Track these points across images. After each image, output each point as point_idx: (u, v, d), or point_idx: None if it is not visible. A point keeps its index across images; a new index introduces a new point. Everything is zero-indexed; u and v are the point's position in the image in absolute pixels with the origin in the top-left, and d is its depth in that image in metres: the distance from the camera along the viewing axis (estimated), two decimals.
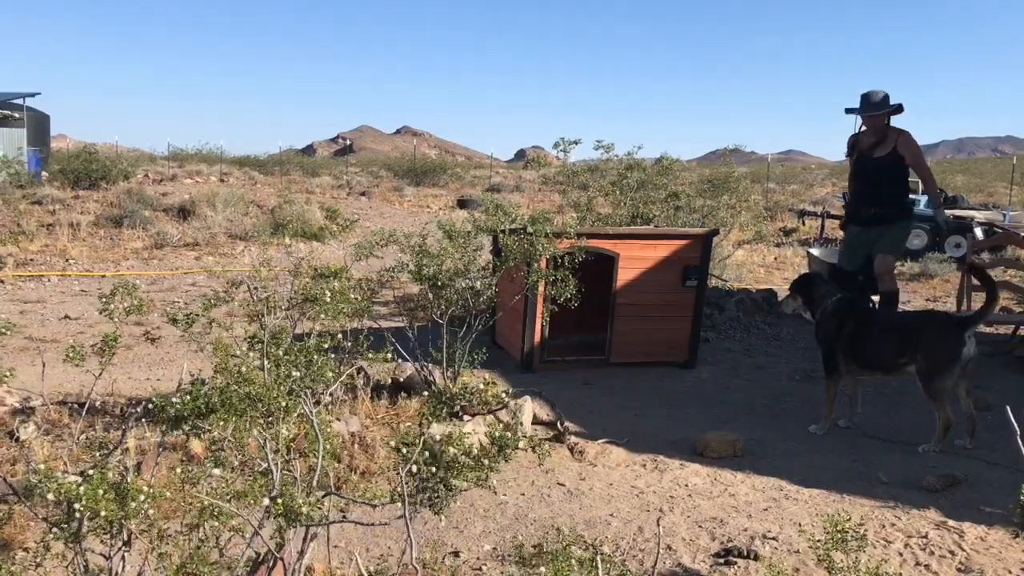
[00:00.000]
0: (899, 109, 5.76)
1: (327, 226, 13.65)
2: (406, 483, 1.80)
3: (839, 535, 1.99)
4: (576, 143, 7.29)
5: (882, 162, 5.83)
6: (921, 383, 4.21)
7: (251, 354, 2.09)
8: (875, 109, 5.76)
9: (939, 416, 4.19)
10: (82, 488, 1.52)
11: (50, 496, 1.56)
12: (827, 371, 4.58)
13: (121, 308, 2.54)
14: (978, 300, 6.02)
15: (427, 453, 1.83)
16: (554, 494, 3.53)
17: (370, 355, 2.37)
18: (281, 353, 2.04)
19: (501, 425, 3.80)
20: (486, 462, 1.78)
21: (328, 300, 2.40)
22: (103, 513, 1.55)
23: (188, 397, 1.80)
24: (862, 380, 4.79)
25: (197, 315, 2.52)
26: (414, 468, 1.81)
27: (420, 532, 3.08)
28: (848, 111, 5.91)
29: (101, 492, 1.54)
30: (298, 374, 1.96)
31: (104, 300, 2.57)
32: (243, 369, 1.89)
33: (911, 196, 15.41)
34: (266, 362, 2.01)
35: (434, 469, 1.81)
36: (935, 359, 4.17)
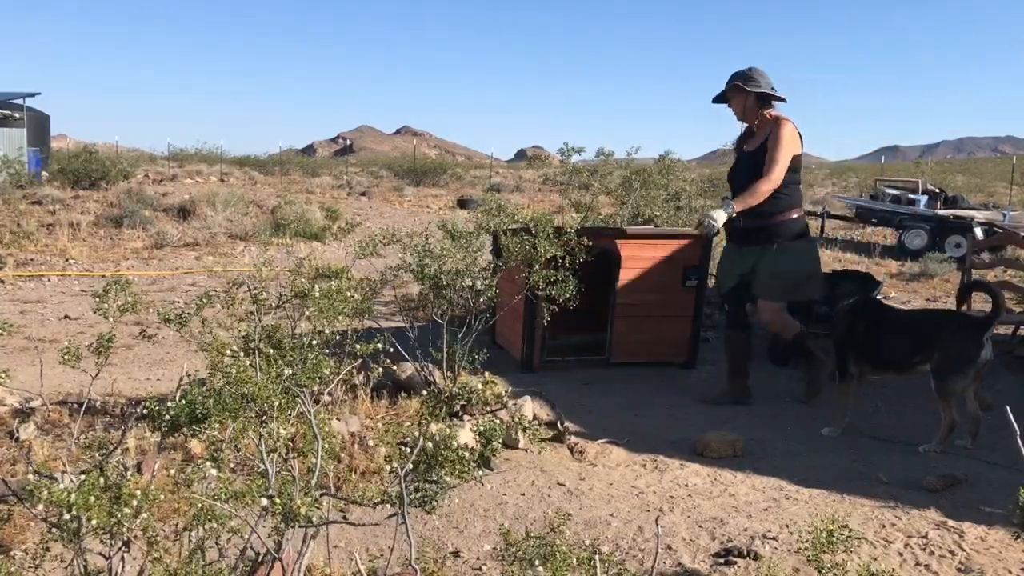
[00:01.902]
0: (763, 92, 4.59)
1: (328, 226, 13.66)
2: (401, 482, 1.79)
3: (827, 536, 1.98)
4: (579, 151, 7.33)
5: (753, 160, 4.68)
6: (934, 382, 4.18)
7: (242, 353, 2.08)
8: (726, 87, 4.66)
9: (944, 416, 4.18)
10: (73, 496, 1.51)
11: (40, 507, 1.55)
12: (841, 374, 4.56)
13: (115, 306, 2.53)
14: (978, 300, 6.02)
15: (411, 450, 1.82)
16: (554, 494, 3.53)
17: (359, 346, 2.34)
18: (272, 351, 2.03)
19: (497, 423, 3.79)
20: (467, 455, 1.78)
21: (317, 296, 2.39)
22: (94, 522, 1.54)
23: (183, 403, 1.79)
24: (871, 381, 4.75)
25: (190, 315, 2.51)
26: (404, 464, 1.80)
27: (420, 532, 3.08)
28: (714, 100, 4.86)
29: (92, 499, 1.53)
30: (289, 371, 1.95)
31: (98, 299, 2.55)
32: (235, 371, 1.88)
33: (910, 196, 14.95)
34: (258, 360, 2.00)
35: (412, 466, 1.80)
36: (952, 359, 4.15)
